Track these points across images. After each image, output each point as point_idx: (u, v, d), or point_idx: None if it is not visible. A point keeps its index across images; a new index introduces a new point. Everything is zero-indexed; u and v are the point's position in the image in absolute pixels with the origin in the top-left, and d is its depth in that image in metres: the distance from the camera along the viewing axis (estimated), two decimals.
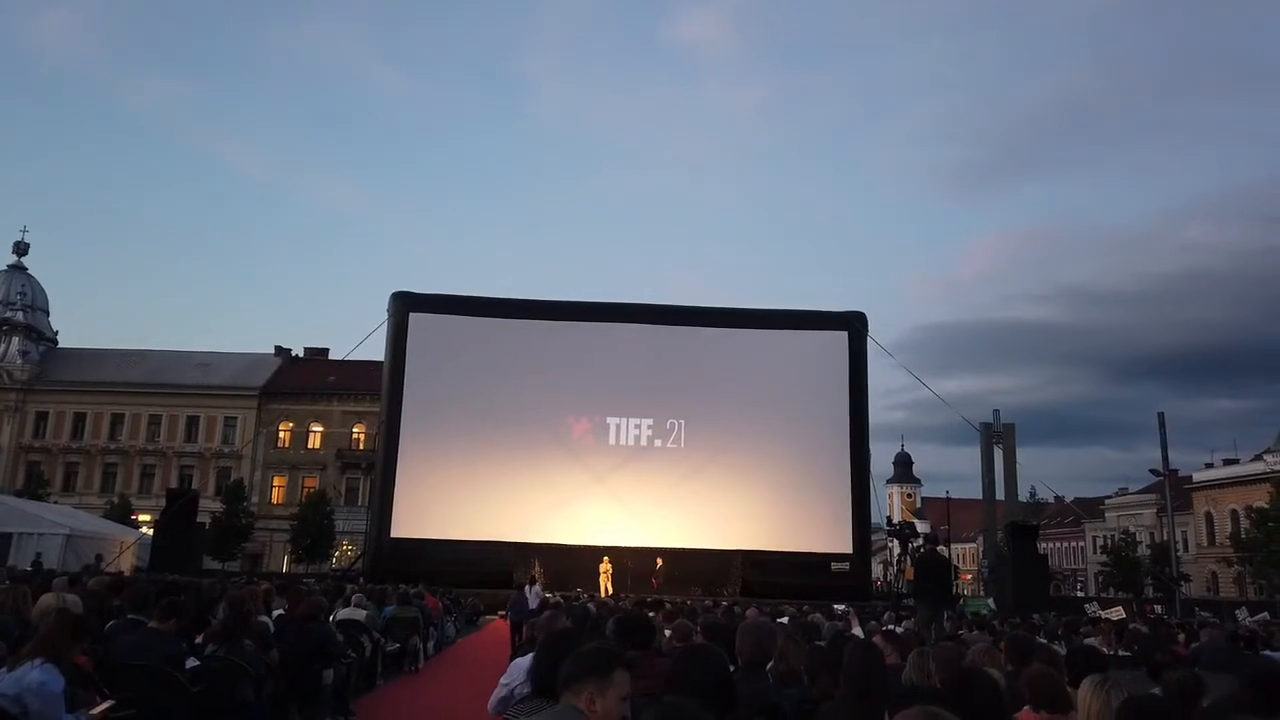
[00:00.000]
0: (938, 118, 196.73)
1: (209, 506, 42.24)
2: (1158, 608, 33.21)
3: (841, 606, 17.45)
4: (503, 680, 5.48)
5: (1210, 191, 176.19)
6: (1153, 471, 37.30)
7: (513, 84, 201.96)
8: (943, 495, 63.03)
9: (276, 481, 53.67)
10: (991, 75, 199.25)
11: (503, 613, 24.16)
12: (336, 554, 47.89)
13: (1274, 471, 45.98)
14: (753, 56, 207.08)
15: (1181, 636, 13.12)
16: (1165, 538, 44.47)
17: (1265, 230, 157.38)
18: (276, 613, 9.76)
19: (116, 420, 53.84)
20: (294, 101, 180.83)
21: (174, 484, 46.42)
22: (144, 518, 43.19)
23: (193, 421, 54.01)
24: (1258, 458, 56.42)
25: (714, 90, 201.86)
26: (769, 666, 5.11)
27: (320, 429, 54.04)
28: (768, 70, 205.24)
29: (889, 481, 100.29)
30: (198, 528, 30.15)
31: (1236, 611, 25.14)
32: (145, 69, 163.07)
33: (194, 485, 43.46)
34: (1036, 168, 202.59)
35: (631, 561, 29.80)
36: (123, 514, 43.23)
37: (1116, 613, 20.41)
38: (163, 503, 32.44)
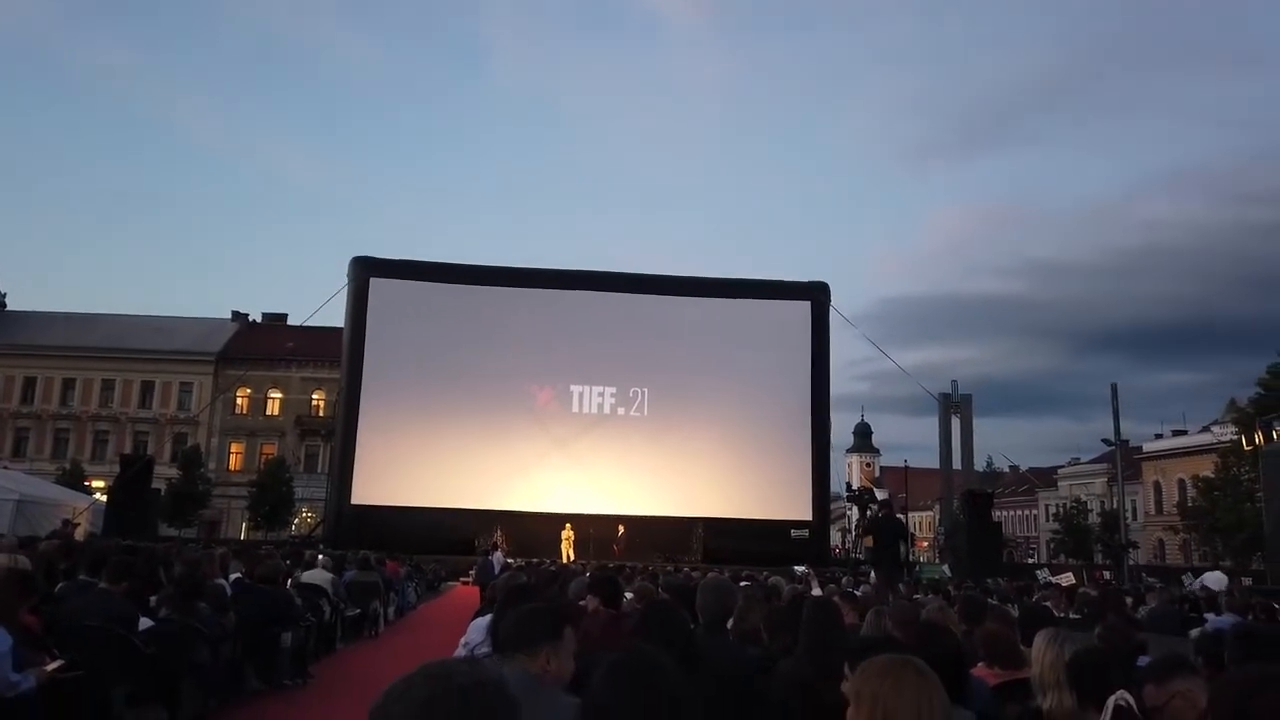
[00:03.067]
0: (903, 91, 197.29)
1: (164, 473, 41.59)
2: (1106, 573, 34.10)
3: (802, 568, 17.69)
4: (462, 640, 5.47)
5: (1171, 168, 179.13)
6: (1105, 441, 38.14)
7: (473, 50, 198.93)
8: (901, 465, 63.90)
9: (234, 448, 53.04)
10: (956, 50, 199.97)
11: (465, 579, 24.35)
12: (296, 521, 47.53)
13: (1220, 443, 47.15)
14: (718, 27, 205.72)
15: (1129, 600, 13.48)
16: (1115, 506, 45.56)
17: (1224, 207, 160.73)
18: (234, 576, 9.67)
19: (68, 385, 52.68)
20: (249, 65, 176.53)
21: (128, 450, 45.56)
22: (97, 484, 42.42)
23: (147, 387, 53.02)
24: (1205, 429, 57.81)
25: (678, 60, 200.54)
26: (729, 625, 5.14)
27: (279, 395, 53.37)
28: (733, 40, 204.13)
29: (849, 451, 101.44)
30: (153, 494, 29.70)
31: (1183, 577, 25.83)
32: (93, 30, 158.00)
33: (149, 452, 42.63)
34: (1001, 142, 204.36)
35: (594, 529, 29.88)
36: (75, 480, 42.43)
37: (1067, 578, 20.87)
38: (116, 469, 31.85)
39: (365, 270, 34.27)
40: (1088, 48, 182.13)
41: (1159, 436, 66.44)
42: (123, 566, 6.55)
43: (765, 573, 15.11)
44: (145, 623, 6.33)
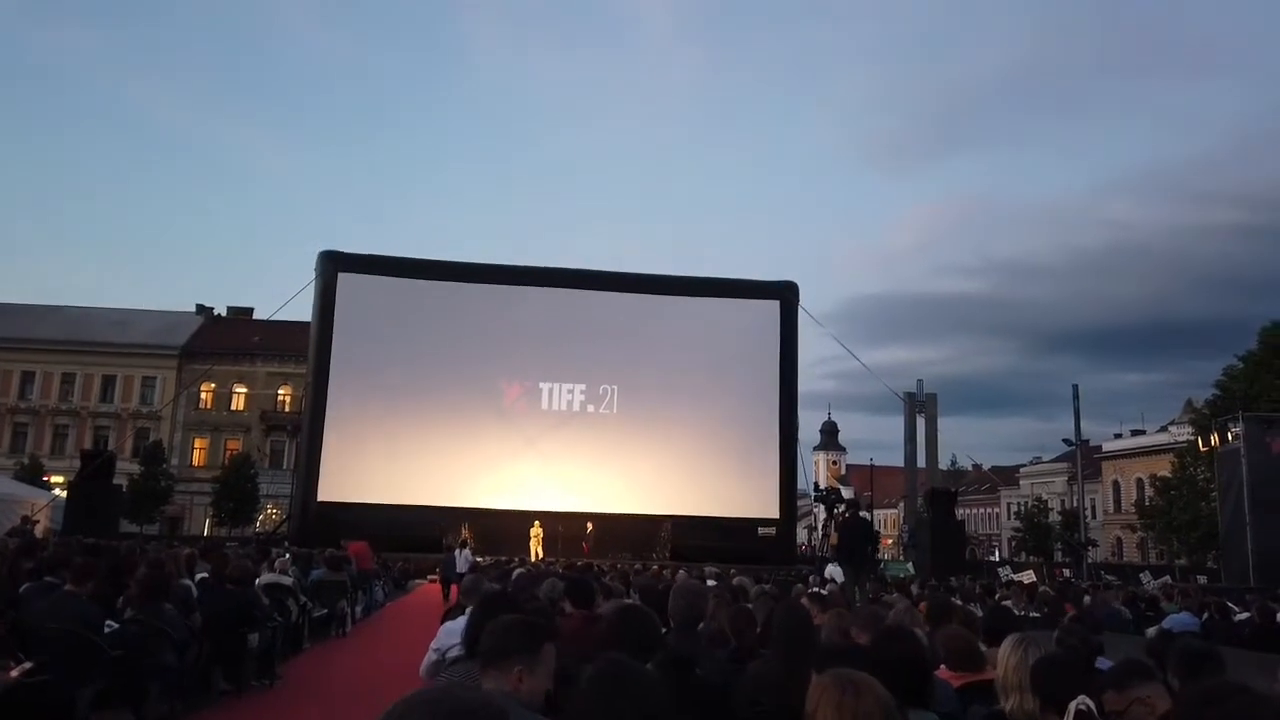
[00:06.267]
0: (871, 89, 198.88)
1: (126, 468, 40.97)
2: (1066, 571, 34.66)
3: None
4: (433, 645, 5.45)
5: (1136, 169, 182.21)
6: (1065, 441, 38.78)
7: (449, 43, 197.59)
8: (867, 462, 64.50)
9: (198, 443, 52.30)
10: (924, 49, 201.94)
11: (432, 576, 24.28)
12: (261, 517, 47.02)
13: (1178, 442, 48.08)
14: (688, 22, 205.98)
15: (1087, 599, 13.79)
16: (1075, 505, 46.32)
17: (1186, 209, 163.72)
18: (200, 576, 9.57)
19: (27, 378, 51.64)
20: (218, 51, 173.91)
21: (88, 445, 44.77)
22: (57, 479, 41.68)
23: (109, 381, 52.10)
24: (1163, 429, 58.93)
25: (649, 56, 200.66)
26: (700, 627, 5.20)
27: (244, 390, 52.71)
28: (703, 37, 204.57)
29: (815, 449, 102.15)
30: (114, 489, 29.20)
31: (1140, 575, 26.40)
32: (56, 10, 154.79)
33: (110, 446, 41.90)
34: (968, 142, 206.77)
35: (562, 526, 29.86)
36: (34, 475, 41.67)
37: (1028, 576, 21.28)
38: (76, 464, 31.36)
39: (333, 264, 33.94)
40: (1055, 49, 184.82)
41: (1118, 436, 67.63)
42: (87, 568, 6.47)
43: (732, 571, 15.21)
44: (111, 624, 6.28)
